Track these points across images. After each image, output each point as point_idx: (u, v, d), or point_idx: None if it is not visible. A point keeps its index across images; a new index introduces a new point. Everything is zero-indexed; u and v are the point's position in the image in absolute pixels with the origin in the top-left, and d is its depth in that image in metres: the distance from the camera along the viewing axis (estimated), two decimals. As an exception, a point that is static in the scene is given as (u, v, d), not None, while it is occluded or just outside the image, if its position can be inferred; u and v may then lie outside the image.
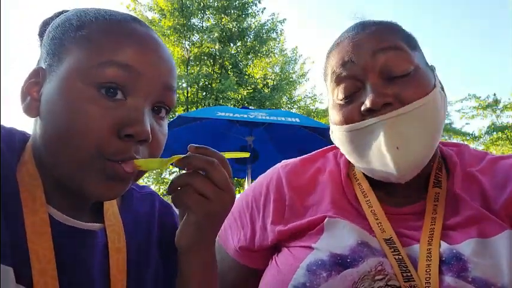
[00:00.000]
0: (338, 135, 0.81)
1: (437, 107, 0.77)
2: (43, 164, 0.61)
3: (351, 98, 0.78)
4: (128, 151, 0.57)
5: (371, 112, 0.74)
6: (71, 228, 0.62)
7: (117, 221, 0.69)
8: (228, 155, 0.66)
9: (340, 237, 0.74)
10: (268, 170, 0.93)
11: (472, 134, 16.24)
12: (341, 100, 0.79)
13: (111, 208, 0.70)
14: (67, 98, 0.57)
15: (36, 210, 0.59)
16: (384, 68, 0.75)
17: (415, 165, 0.75)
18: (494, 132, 16.13)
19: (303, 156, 0.93)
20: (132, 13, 13.93)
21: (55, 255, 0.58)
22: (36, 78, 0.62)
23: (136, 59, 0.59)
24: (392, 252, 0.71)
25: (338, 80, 0.79)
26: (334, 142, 0.86)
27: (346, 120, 0.78)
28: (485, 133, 16.22)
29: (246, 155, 0.70)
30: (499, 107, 15.86)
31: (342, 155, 0.91)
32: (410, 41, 0.80)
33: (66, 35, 0.61)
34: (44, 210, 0.59)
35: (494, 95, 16.11)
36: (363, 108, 0.75)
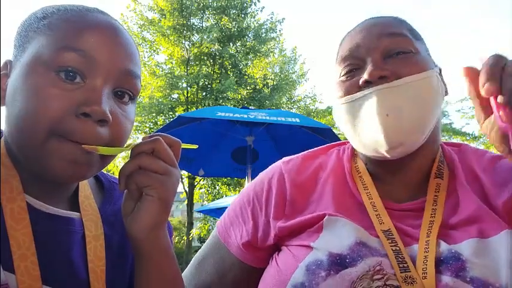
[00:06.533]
0: (337, 109, 0.85)
1: (433, 87, 0.79)
2: (15, 154, 0.64)
3: (352, 74, 0.82)
4: (85, 130, 0.59)
5: (368, 84, 0.78)
6: (49, 215, 0.65)
7: (94, 211, 0.71)
8: None
9: (339, 236, 0.74)
10: (270, 167, 0.93)
11: (472, 134, 16.24)
12: (343, 77, 0.84)
13: (87, 200, 0.72)
14: (28, 82, 0.59)
15: (13, 198, 0.61)
16: (385, 48, 0.80)
17: (404, 136, 0.76)
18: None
19: (304, 153, 0.94)
20: (132, 13, 14.03)
21: (35, 241, 0.60)
22: (5, 71, 0.65)
23: (92, 45, 0.61)
24: (390, 243, 0.71)
25: (343, 60, 0.84)
26: (335, 120, 0.88)
27: (345, 93, 0.82)
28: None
29: (194, 147, 0.74)
30: (499, 107, 15.77)
31: (344, 151, 0.92)
32: (414, 32, 0.85)
33: (30, 26, 0.64)
34: (21, 198, 0.62)
35: (494, 95, 16.04)
36: (360, 81, 0.79)
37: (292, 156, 0.93)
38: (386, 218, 0.76)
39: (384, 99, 0.75)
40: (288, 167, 0.89)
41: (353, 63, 0.82)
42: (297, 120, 3.94)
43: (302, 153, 0.94)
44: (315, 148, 0.96)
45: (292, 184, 0.86)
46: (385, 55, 0.80)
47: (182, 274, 0.97)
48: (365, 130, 0.78)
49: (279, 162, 0.93)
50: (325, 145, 0.97)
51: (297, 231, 0.79)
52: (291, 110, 15.69)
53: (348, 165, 0.88)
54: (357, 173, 0.86)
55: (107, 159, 0.65)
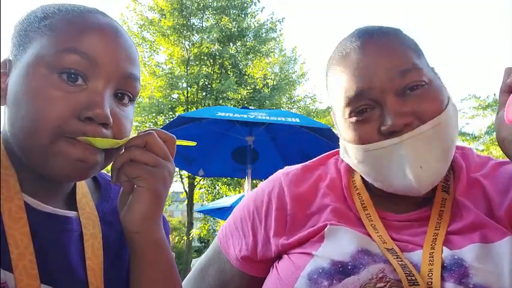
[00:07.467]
0: (353, 153, 0.79)
1: (452, 120, 0.77)
2: (14, 153, 0.63)
3: (365, 116, 0.76)
4: (88, 132, 0.60)
5: (391, 133, 0.73)
6: (47, 215, 0.65)
7: (91, 209, 0.72)
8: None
9: (341, 244, 0.73)
10: (270, 177, 0.92)
11: (472, 134, 16.22)
12: (353, 118, 0.77)
13: (84, 198, 0.72)
14: (30, 83, 0.60)
15: (11, 197, 0.61)
16: (400, 86, 0.74)
17: (436, 180, 0.76)
18: (495, 132, 16.02)
19: (304, 164, 0.92)
20: (132, 13, 14.04)
21: (33, 240, 0.60)
22: (4, 69, 0.65)
23: (95, 47, 0.62)
24: (395, 258, 0.71)
25: (351, 101, 0.76)
26: (345, 158, 0.84)
27: (364, 140, 0.76)
28: (485, 133, 16.21)
29: (191, 143, 0.73)
30: (499, 107, 15.74)
31: (342, 161, 0.89)
32: (417, 50, 0.79)
33: (31, 26, 0.64)
34: (19, 197, 0.62)
35: (494, 95, 16.09)
36: (383, 128, 0.73)
37: (292, 168, 0.91)
38: (388, 238, 0.75)
39: (414, 150, 0.72)
40: (288, 180, 0.88)
41: (364, 103, 0.75)
42: (297, 120, 3.94)
43: (302, 164, 0.92)
44: (315, 158, 0.94)
45: (292, 197, 0.84)
46: (400, 93, 0.74)
47: (186, 278, 0.97)
48: (394, 178, 0.75)
49: (279, 173, 0.91)
50: (324, 154, 0.95)
51: (300, 243, 0.79)
52: (291, 110, 15.68)
53: (345, 179, 0.86)
54: (355, 189, 0.84)
55: (110, 158, 0.65)
